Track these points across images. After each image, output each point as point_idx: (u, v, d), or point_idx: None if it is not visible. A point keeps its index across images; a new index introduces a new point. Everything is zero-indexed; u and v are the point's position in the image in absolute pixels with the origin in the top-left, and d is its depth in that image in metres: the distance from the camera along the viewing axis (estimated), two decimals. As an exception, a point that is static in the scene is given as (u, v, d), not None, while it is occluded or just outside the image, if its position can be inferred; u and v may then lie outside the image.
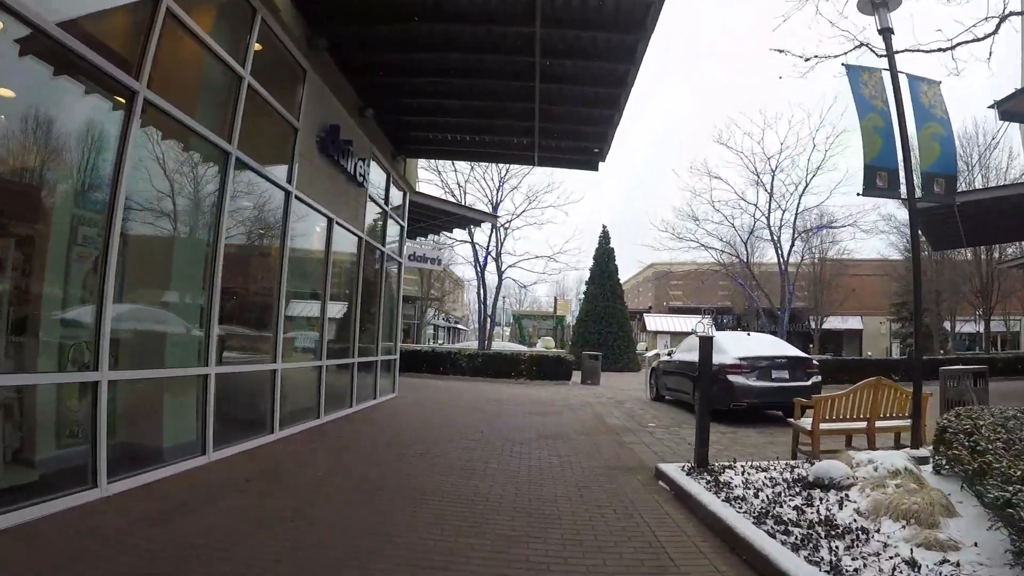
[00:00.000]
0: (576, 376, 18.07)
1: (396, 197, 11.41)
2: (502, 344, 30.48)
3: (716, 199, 27.41)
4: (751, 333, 11.80)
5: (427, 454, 6.16)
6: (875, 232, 29.40)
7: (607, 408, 11.48)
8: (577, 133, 9.72)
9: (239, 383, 6.10)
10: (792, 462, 5.62)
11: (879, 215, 26.89)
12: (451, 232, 17.00)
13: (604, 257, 27.47)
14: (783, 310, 26.45)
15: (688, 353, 11.65)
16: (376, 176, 10.15)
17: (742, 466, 5.32)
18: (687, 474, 5.11)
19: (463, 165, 23.27)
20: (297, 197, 6.77)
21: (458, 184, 24.27)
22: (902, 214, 29.49)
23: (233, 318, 6.16)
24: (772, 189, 26.42)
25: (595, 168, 10.82)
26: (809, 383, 9.52)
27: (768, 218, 26.55)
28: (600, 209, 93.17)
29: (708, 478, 4.90)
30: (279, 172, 6.48)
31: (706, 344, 5.82)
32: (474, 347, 23.16)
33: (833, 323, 39.14)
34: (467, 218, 15.24)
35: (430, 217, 14.68)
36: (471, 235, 22.47)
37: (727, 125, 26.48)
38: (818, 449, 5.86)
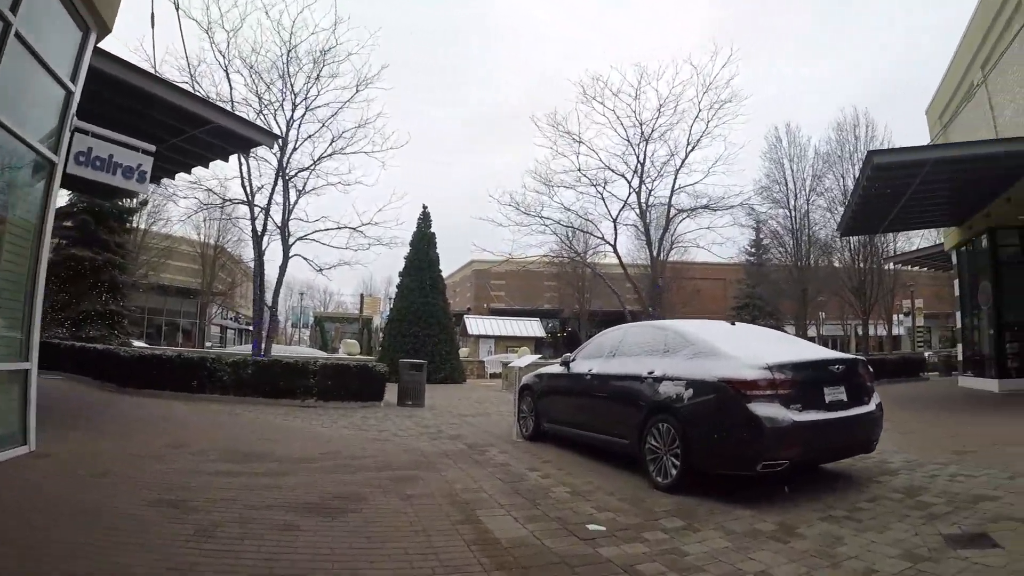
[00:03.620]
0: (391, 392, 12.93)
1: (52, 21, 5.24)
2: (287, 349, 23.64)
3: (581, 165, 23.44)
4: (736, 323, 6.85)
5: None
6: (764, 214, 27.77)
7: (465, 471, 6.03)
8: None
9: None
10: None
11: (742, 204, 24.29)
12: (207, 167, 10.54)
13: (423, 243, 22.44)
14: (651, 310, 23.59)
15: (610, 360, 6.51)
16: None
17: None
18: None
19: (240, 86, 16.52)
20: None
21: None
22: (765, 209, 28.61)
23: None
24: (644, 160, 23.26)
25: None
26: (873, 407, 5.38)
27: (639, 194, 23.61)
28: (426, 183, 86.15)
29: None
30: None
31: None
32: (247, 352, 16.54)
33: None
34: (228, 134, 8.82)
35: (160, 127, 8.37)
36: (249, 193, 15.80)
37: (594, 80, 22.16)
38: None
